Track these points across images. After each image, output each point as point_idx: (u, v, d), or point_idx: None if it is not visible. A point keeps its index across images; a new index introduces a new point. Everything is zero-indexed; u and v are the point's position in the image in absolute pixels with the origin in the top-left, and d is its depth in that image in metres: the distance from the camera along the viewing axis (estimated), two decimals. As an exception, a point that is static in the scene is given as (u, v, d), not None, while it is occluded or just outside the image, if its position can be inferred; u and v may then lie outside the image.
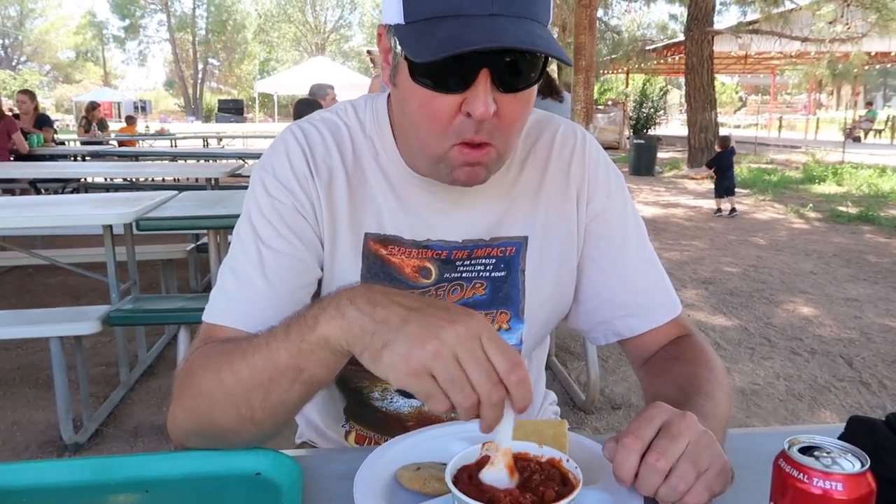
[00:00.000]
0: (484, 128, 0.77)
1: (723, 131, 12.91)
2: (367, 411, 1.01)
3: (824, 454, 0.60)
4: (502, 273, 0.96)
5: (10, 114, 7.46)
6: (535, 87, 0.81)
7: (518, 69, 0.76)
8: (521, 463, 0.71)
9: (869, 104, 26.19)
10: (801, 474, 0.58)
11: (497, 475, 0.66)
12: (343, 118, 0.96)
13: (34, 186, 7.00)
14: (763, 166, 14.33)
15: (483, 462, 0.70)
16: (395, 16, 0.76)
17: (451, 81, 0.75)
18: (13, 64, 52.96)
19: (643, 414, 0.68)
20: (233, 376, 0.75)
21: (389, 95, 0.95)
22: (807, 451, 0.61)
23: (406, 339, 0.62)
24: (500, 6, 0.71)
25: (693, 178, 12.65)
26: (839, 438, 0.79)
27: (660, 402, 0.70)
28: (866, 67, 16.00)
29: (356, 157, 0.94)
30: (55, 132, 8.42)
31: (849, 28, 12.52)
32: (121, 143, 10.86)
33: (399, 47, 0.77)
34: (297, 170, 0.91)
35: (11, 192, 6.65)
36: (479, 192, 0.93)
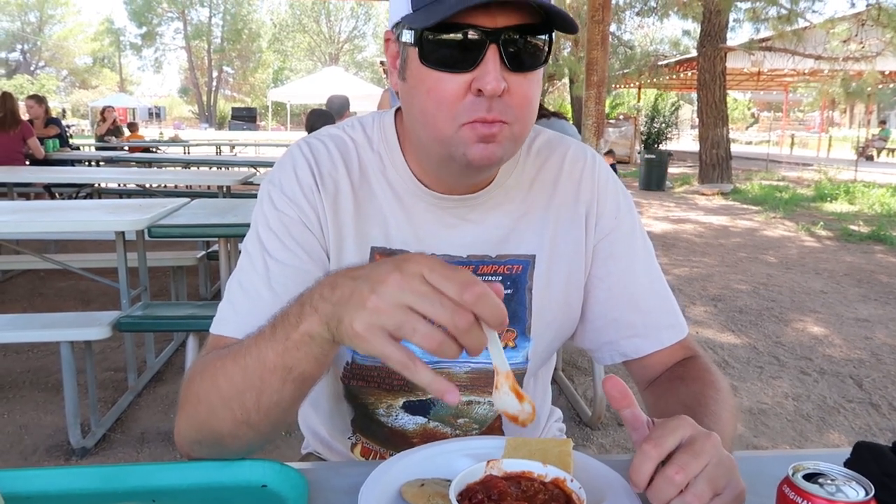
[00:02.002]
0: (496, 106, 0.78)
1: (734, 148, 12.86)
2: (374, 426, 1.02)
3: (829, 481, 0.60)
4: (509, 291, 0.96)
5: (26, 119, 7.55)
6: (543, 70, 0.82)
7: (525, 48, 0.77)
8: (524, 482, 0.71)
9: (882, 123, 26.07)
10: (805, 501, 0.58)
11: (504, 399, 0.66)
12: (350, 134, 0.98)
13: (49, 191, 7.07)
14: (774, 183, 14.26)
15: (487, 480, 0.70)
16: (404, 8, 0.79)
17: (461, 60, 0.76)
18: (31, 69, 53.61)
19: (668, 424, 0.67)
20: (226, 380, 0.76)
21: (397, 111, 0.97)
22: (811, 477, 0.61)
23: (352, 307, 0.62)
24: None
25: (704, 194, 12.63)
26: (845, 463, 0.79)
27: (686, 416, 0.69)
28: (880, 86, 15.93)
29: (362, 171, 0.95)
30: (61, 133, 8.47)
31: (863, 47, 12.48)
32: (132, 149, 10.99)
33: (407, 37, 0.79)
34: (304, 183, 0.92)
35: (26, 196, 6.72)
36: (487, 208, 0.95)
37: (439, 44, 0.77)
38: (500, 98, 0.77)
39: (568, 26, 0.78)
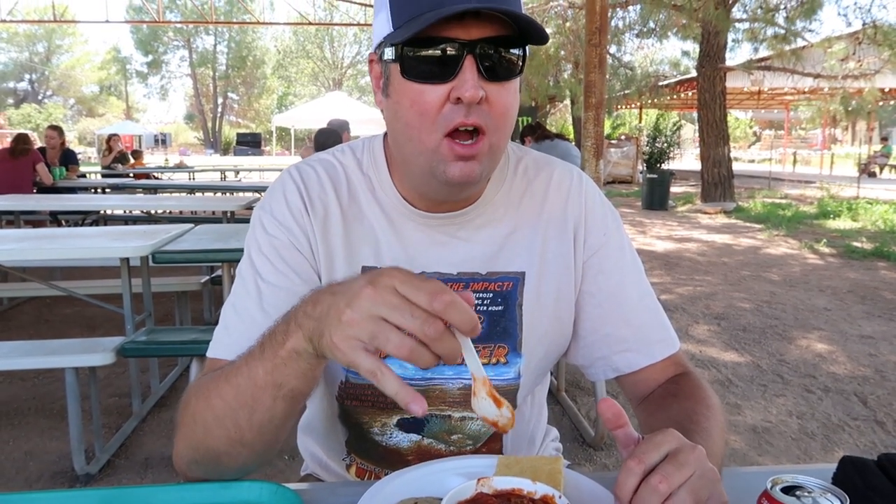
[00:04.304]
0: (474, 112, 0.81)
1: (737, 166, 12.86)
2: (368, 445, 1.03)
3: (805, 494, 0.62)
4: (500, 307, 0.98)
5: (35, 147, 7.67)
6: (519, 82, 0.86)
7: (500, 58, 0.81)
8: (514, 499, 0.73)
9: (884, 140, 26.11)
10: (782, 513, 0.60)
11: (482, 404, 0.68)
12: (339, 158, 1.01)
13: (55, 218, 7.15)
14: (777, 201, 14.29)
15: (478, 498, 0.72)
16: (385, 27, 0.83)
17: (440, 71, 0.80)
18: (39, 98, 54.30)
19: (653, 439, 0.68)
20: (220, 399, 0.78)
21: (385, 134, 1.00)
22: (789, 490, 0.62)
23: (331, 321, 0.65)
24: (479, 1, 0.77)
25: (707, 213, 12.65)
26: (832, 478, 0.81)
27: (672, 429, 0.70)
28: (880, 103, 15.99)
29: (352, 193, 0.98)
30: (78, 166, 8.62)
31: (861, 65, 12.57)
32: (136, 176, 11.10)
33: (389, 55, 0.83)
34: (293, 207, 0.95)
35: (33, 224, 6.80)
36: (476, 227, 0.97)
37: (419, 58, 0.81)
38: (479, 106, 0.81)
39: (540, 37, 0.82)
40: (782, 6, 12.38)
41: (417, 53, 0.81)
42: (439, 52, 0.80)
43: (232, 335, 0.91)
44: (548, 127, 7.29)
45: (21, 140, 7.12)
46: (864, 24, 11.96)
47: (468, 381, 0.98)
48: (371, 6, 16.96)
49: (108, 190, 8.80)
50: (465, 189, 0.91)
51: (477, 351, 0.68)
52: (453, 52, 0.79)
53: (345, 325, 0.63)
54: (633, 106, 22.70)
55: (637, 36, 16.62)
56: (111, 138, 12.34)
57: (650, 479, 0.64)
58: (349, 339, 0.63)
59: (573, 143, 6.31)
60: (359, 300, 0.63)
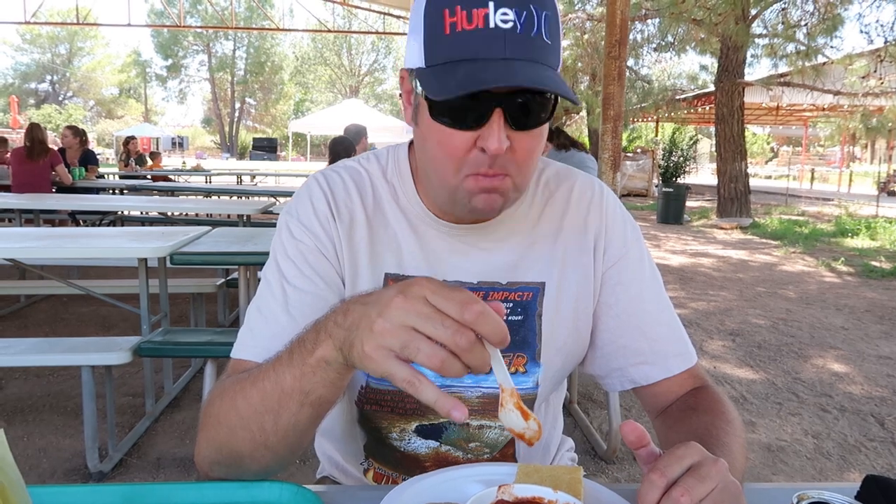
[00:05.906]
0: (497, 162, 0.81)
1: (753, 182, 12.78)
2: (386, 450, 1.04)
3: (832, 510, 0.61)
4: (519, 317, 0.99)
5: (55, 147, 7.74)
6: (547, 124, 0.85)
7: (529, 108, 0.80)
8: (535, 508, 0.73)
9: (904, 158, 25.84)
10: (809, 529, 0.59)
11: (510, 416, 0.68)
12: (365, 166, 1.02)
13: (73, 218, 7.23)
14: (794, 218, 14.17)
15: (499, 504, 0.72)
16: (417, 60, 0.82)
17: (468, 119, 0.80)
18: (59, 99, 55.07)
19: (675, 452, 0.67)
20: (245, 402, 0.78)
21: (410, 143, 1.00)
22: (815, 506, 0.62)
23: (362, 331, 0.65)
24: (513, 51, 0.76)
25: (722, 228, 12.58)
26: (856, 497, 0.80)
27: (693, 442, 0.70)
28: (900, 122, 15.85)
29: (376, 200, 0.99)
30: (98, 167, 8.70)
31: (882, 83, 12.47)
32: (154, 178, 11.21)
33: (420, 88, 0.82)
34: (320, 213, 0.96)
35: (51, 223, 6.88)
36: (497, 237, 0.98)
37: (448, 103, 0.79)
38: (504, 154, 0.81)
39: (570, 98, 0.80)
40: (803, 22, 12.32)
41: (447, 99, 0.79)
42: (468, 101, 0.78)
43: (256, 337, 0.92)
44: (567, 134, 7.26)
45: (37, 140, 7.04)
46: (885, 42, 11.87)
47: (487, 390, 0.99)
48: (390, 14, 17.08)
49: (125, 191, 8.90)
50: (488, 216, 0.92)
51: None
52: (482, 103, 0.79)
53: (376, 335, 0.63)
54: (649, 119, 22.67)
55: (655, 49, 16.62)
56: (129, 141, 12.47)
57: (672, 492, 0.63)
58: (381, 348, 0.63)
59: (589, 154, 6.31)
60: (389, 310, 0.63)
